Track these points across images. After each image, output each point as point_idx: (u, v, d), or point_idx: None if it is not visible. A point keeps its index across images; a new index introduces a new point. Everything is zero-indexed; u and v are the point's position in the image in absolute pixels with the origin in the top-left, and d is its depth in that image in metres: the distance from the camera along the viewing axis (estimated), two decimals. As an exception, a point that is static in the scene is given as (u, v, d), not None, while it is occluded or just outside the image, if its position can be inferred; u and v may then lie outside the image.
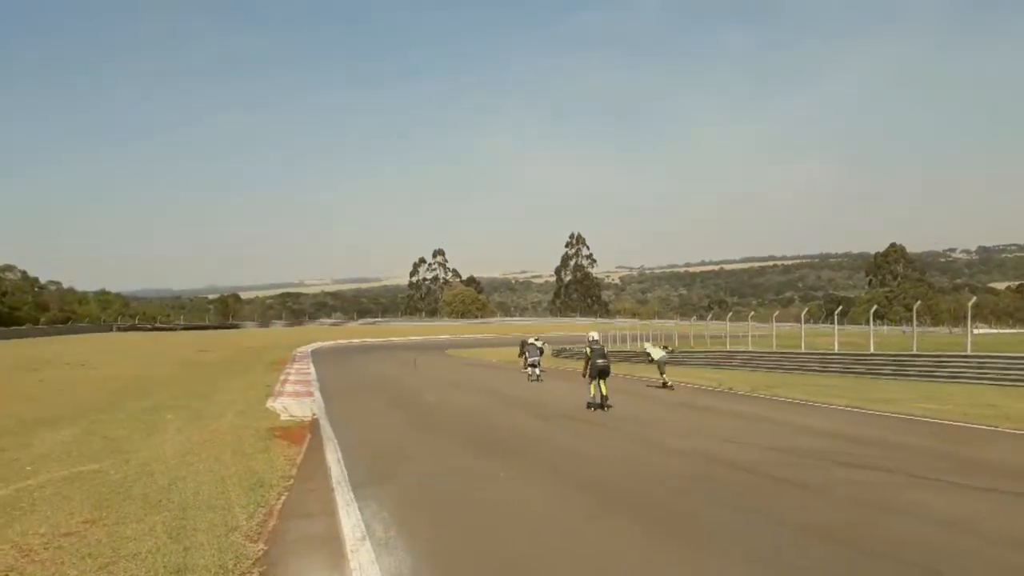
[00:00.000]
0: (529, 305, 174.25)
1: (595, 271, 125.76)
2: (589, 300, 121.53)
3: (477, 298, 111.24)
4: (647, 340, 23.94)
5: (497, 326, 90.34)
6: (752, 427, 10.94)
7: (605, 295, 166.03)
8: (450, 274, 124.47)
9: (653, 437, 10.15)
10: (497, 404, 14.96)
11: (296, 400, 15.32)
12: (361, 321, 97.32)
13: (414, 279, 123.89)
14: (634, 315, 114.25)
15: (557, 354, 35.52)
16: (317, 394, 16.97)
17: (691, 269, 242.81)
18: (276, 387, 18.42)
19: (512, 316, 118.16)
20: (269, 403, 14.49)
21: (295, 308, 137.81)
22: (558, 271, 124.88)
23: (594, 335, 13.74)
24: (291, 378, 21.89)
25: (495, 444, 9.74)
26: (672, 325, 48.79)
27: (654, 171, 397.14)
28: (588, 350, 13.22)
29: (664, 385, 17.00)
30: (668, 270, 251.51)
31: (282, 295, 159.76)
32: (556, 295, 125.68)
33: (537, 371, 20.78)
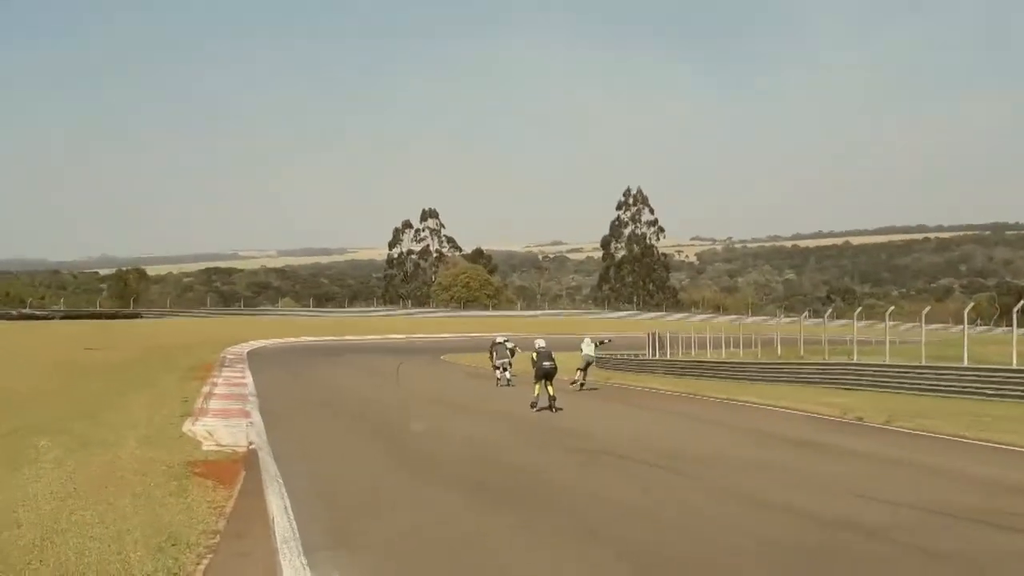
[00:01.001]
0: (564, 291, 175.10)
1: (661, 244, 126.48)
2: (651, 285, 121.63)
3: (488, 280, 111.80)
4: (588, 339, 26.93)
5: (517, 321, 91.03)
6: (888, 474, 10.91)
7: (675, 279, 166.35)
8: (447, 246, 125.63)
9: (744, 487, 10.03)
10: (514, 434, 15.15)
11: (225, 423, 15.61)
12: (320, 311, 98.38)
13: (395, 252, 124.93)
14: (717, 308, 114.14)
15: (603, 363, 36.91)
16: (256, 415, 17.31)
17: (802, 243, 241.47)
18: (197, 403, 18.72)
19: (539, 308, 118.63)
20: (187, 426, 14.65)
21: (225, 290, 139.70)
22: (606, 243, 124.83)
23: (541, 343, 20.23)
24: (219, 391, 22.43)
25: (509, 494, 9.83)
26: (773, 324, 48.66)
27: (749, 106, 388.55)
28: (535, 355, 19.71)
29: (574, 383, 24.46)
30: (768, 244, 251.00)
31: (206, 271, 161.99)
32: (603, 278, 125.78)
33: (507, 375, 26.86)
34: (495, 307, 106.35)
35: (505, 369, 27.14)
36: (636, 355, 42.34)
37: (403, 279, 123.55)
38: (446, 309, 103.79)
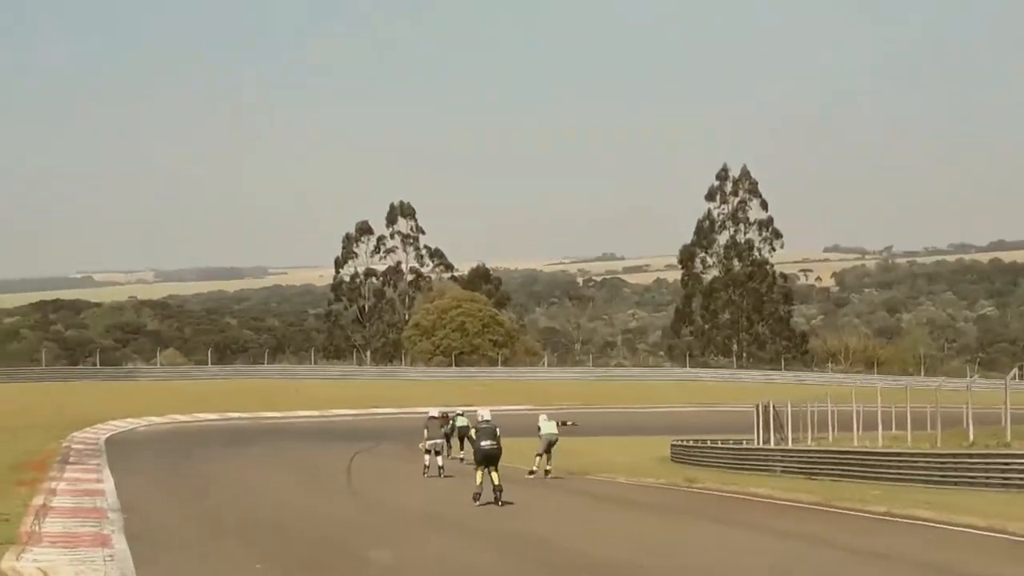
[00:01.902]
0: (618, 336, 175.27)
1: (778, 259, 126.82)
2: (762, 326, 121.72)
3: (494, 318, 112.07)
4: (546, 416, 32.66)
5: (543, 385, 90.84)
6: None
7: (801, 315, 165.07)
8: (429, 263, 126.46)
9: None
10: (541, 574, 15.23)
11: (71, 555, 15.75)
12: (224, 371, 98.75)
13: (345, 274, 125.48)
14: (870, 364, 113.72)
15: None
16: (121, 542, 17.45)
17: (1006, 256, 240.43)
18: (25, 523, 18.80)
19: (577, 363, 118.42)
20: (8, 562, 14.75)
21: (70, 336, 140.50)
22: (688, 257, 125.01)
23: (485, 414, 24.78)
24: (60, 502, 22.61)
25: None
26: (960, 390, 48.55)
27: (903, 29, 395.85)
28: (474, 431, 23.21)
29: (532, 472, 30.86)
30: (951, 259, 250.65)
31: (39, 306, 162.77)
32: (682, 314, 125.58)
33: (439, 460, 31.50)
34: (507, 361, 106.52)
35: (438, 453, 31.78)
36: (737, 441, 42.27)
37: (358, 318, 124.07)
38: (427, 367, 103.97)
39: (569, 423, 34.32)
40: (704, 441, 42.74)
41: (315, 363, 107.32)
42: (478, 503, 23.12)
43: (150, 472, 33.53)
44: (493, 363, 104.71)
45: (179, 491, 28.41)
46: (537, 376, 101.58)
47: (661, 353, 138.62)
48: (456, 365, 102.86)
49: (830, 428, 39.97)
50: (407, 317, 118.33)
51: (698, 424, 57.86)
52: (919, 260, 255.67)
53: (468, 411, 36.17)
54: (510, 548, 17.80)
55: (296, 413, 68.93)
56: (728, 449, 40.39)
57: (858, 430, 38.00)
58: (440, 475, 31.00)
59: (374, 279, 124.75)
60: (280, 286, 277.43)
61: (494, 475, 23.26)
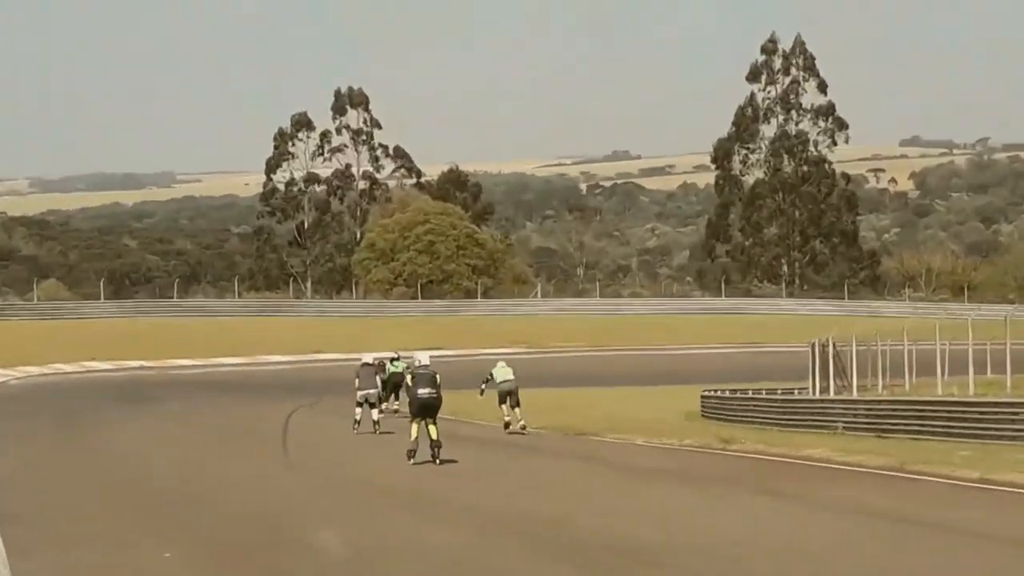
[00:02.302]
0: (634, 257, 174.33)
1: (841, 155, 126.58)
2: (820, 242, 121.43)
3: (472, 235, 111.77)
4: (503, 363, 36.27)
5: (538, 321, 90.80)
6: None
7: (870, 227, 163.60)
8: (388, 165, 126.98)
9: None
10: (541, 555, 15.28)
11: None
12: (121, 307, 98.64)
13: (279, 179, 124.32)
14: (959, 288, 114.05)
15: None
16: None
17: None
18: None
19: (582, 293, 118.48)
20: None
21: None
22: (724, 154, 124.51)
23: (423, 358, 26.63)
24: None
25: None
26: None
27: None
28: (410, 378, 25.62)
29: (508, 426, 34.28)
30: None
31: None
32: (716, 228, 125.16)
33: (374, 414, 34.55)
34: (490, 292, 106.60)
35: (372, 405, 34.80)
36: (787, 391, 42.40)
37: (296, 238, 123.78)
38: (385, 300, 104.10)
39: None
40: (744, 391, 42.92)
41: (240, 296, 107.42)
42: (412, 461, 25.18)
43: (27, 437, 33.56)
44: (471, 295, 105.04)
45: (65, 461, 28.47)
46: (529, 311, 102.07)
47: (689, 279, 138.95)
48: (423, 297, 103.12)
49: (907, 372, 40.16)
50: (359, 236, 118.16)
51: (736, 370, 58.32)
52: (1023, 155, 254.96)
53: (406, 356, 38.11)
54: (488, 526, 17.85)
55: (217, 361, 69.05)
56: (775, 401, 40.56)
57: (943, 374, 38.16)
58: (375, 431, 33.60)
59: (316, 187, 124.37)
60: (193, 197, 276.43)
61: (432, 429, 25.02)
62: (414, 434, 25.31)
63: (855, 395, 38.08)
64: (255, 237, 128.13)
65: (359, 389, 34.74)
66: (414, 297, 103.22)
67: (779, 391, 42.54)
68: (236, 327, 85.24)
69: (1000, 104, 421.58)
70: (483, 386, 36.25)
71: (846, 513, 19.02)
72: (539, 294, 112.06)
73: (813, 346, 42.39)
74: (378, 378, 35.38)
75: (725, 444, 29.85)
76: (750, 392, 42.48)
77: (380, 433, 33.09)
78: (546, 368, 69.53)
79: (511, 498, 20.97)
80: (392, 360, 37.89)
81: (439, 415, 25.51)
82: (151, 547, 16.69)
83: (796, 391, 42.18)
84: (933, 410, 32.57)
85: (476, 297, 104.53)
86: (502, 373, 34.97)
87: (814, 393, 40.43)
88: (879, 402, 35.60)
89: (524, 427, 34.61)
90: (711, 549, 15.77)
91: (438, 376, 25.59)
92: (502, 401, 34.92)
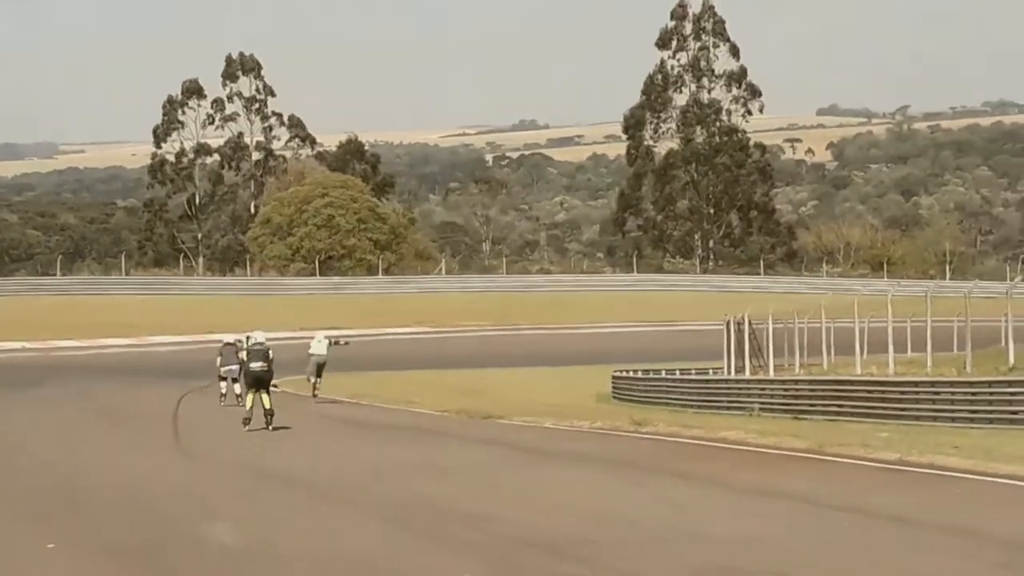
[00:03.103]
0: (542, 231, 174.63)
1: (755, 125, 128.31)
2: (735, 215, 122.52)
3: (373, 208, 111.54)
4: (321, 336, 43.21)
5: (444, 299, 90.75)
6: None
7: (786, 200, 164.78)
8: (284, 135, 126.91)
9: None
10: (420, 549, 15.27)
11: None
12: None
13: (167, 150, 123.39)
14: (877, 264, 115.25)
15: None
16: None
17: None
18: None
19: (487, 270, 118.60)
20: None
21: None
22: (635, 124, 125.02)
23: (258, 336, 31.26)
24: None
25: None
26: (998, 297, 49.40)
27: None
28: (246, 353, 30.80)
29: (315, 396, 40.94)
30: (986, 123, 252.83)
31: None
32: (627, 201, 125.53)
33: (236, 388, 38.17)
34: (392, 268, 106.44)
35: (235, 380, 38.65)
36: (702, 371, 42.69)
37: (187, 211, 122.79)
38: (282, 277, 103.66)
39: (342, 342, 45.10)
40: (657, 372, 43.20)
41: (127, 273, 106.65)
42: (247, 427, 29.96)
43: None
44: (373, 271, 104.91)
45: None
46: (433, 288, 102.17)
47: (599, 255, 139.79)
48: (322, 274, 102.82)
49: (825, 351, 40.54)
50: (254, 210, 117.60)
51: (649, 350, 58.62)
52: (944, 125, 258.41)
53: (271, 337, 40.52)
54: (392, 516, 17.82)
55: (104, 342, 68.46)
56: (689, 381, 40.92)
57: (862, 353, 38.58)
58: (238, 403, 36.65)
59: (208, 158, 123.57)
60: (77, 169, 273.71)
61: (264, 398, 30.20)
62: (249, 404, 30.43)
63: (771, 375, 38.48)
64: (144, 210, 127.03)
65: (222, 366, 39.86)
66: (312, 274, 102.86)
67: (693, 371, 42.94)
68: (123, 306, 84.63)
69: (920, 71, 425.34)
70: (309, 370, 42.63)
71: (763, 497, 19.19)
72: (443, 270, 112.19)
73: (728, 324, 42.77)
74: (240, 355, 37.04)
75: (638, 426, 29.99)
76: (663, 372, 42.80)
77: (240, 404, 34.83)
78: (450, 348, 69.69)
79: (417, 486, 20.96)
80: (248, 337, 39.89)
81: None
82: (34, 540, 16.56)
83: (711, 371, 42.54)
84: (852, 390, 33.00)
85: (378, 274, 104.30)
86: (317, 347, 41.93)
87: (729, 373, 40.83)
88: (796, 382, 36.01)
89: (316, 395, 41.74)
90: (629, 538, 15.84)
91: (271, 352, 30.73)
92: (317, 374, 41.84)
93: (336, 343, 43.42)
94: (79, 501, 20.22)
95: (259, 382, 30.19)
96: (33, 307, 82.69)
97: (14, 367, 56.66)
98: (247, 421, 29.95)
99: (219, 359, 40.35)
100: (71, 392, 45.93)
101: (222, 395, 40.14)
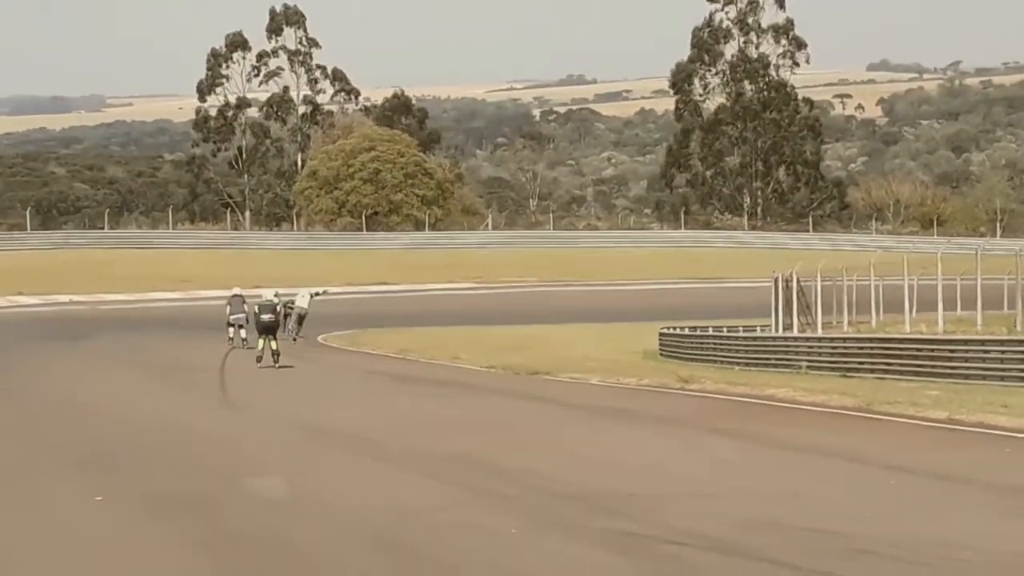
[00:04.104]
0: (589, 186, 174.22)
1: (803, 79, 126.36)
2: (782, 171, 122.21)
3: (420, 163, 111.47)
4: (305, 291, 50.83)
5: (485, 255, 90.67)
6: None
7: (835, 156, 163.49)
8: (329, 89, 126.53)
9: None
10: (492, 504, 15.30)
11: None
12: (44, 237, 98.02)
13: (210, 104, 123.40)
14: (928, 221, 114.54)
15: None
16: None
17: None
18: None
19: (535, 226, 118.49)
20: None
21: None
22: (683, 79, 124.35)
23: (268, 294, 38.87)
24: None
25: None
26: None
27: None
28: (257, 307, 38.09)
29: (296, 338, 47.79)
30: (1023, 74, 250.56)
31: None
32: (675, 157, 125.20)
33: (243, 333, 45.34)
34: (439, 224, 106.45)
35: (241, 327, 45.91)
36: (749, 328, 42.59)
37: (233, 165, 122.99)
38: (328, 232, 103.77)
39: (320, 292, 53.50)
40: (704, 329, 43.09)
41: (174, 227, 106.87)
42: (260, 365, 36.62)
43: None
44: (419, 226, 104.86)
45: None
46: (479, 243, 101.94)
47: (646, 211, 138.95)
48: (368, 229, 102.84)
49: (873, 309, 40.37)
50: (300, 164, 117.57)
51: (696, 306, 58.47)
52: (996, 80, 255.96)
53: (284, 293, 47.37)
54: (439, 473, 17.84)
55: (150, 295, 68.73)
56: (736, 339, 40.78)
57: (911, 311, 38.42)
58: (243, 346, 44.41)
59: (253, 111, 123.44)
60: (124, 122, 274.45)
61: (272, 343, 37.05)
62: (260, 346, 37.38)
63: (820, 332, 38.33)
64: (189, 166, 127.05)
65: (231, 315, 47.07)
66: (359, 229, 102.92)
67: (741, 328, 42.74)
68: (171, 260, 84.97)
69: (972, 26, 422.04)
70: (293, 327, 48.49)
71: (811, 454, 19.17)
72: (490, 226, 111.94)
73: (776, 281, 42.62)
74: (245, 306, 45.75)
75: (684, 383, 29.97)
76: (710, 329, 42.65)
77: (247, 348, 42.74)
78: (496, 304, 69.64)
79: (461, 441, 21.00)
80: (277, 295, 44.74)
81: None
82: (81, 493, 16.67)
83: (758, 328, 42.39)
84: (900, 348, 32.85)
85: (424, 229, 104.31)
86: (300, 301, 49.85)
87: (777, 330, 40.71)
88: (844, 340, 35.84)
89: (296, 340, 47.73)
90: (675, 493, 15.86)
91: (278, 306, 39.33)
92: (298, 323, 49.13)
93: (317, 295, 51.87)
94: (126, 454, 20.38)
95: (268, 330, 37.11)
96: (81, 260, 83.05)
97: (62, 320, 56.99)
98: (259, 359, 36.91)
99: (228, 308, 47.61)
100: (119, 345, 46.37)
101: (229, 338, 46.79)
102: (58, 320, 56.72)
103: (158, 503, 15.85)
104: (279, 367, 36.00)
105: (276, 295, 40.28)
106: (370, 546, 13.35)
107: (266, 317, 37.24)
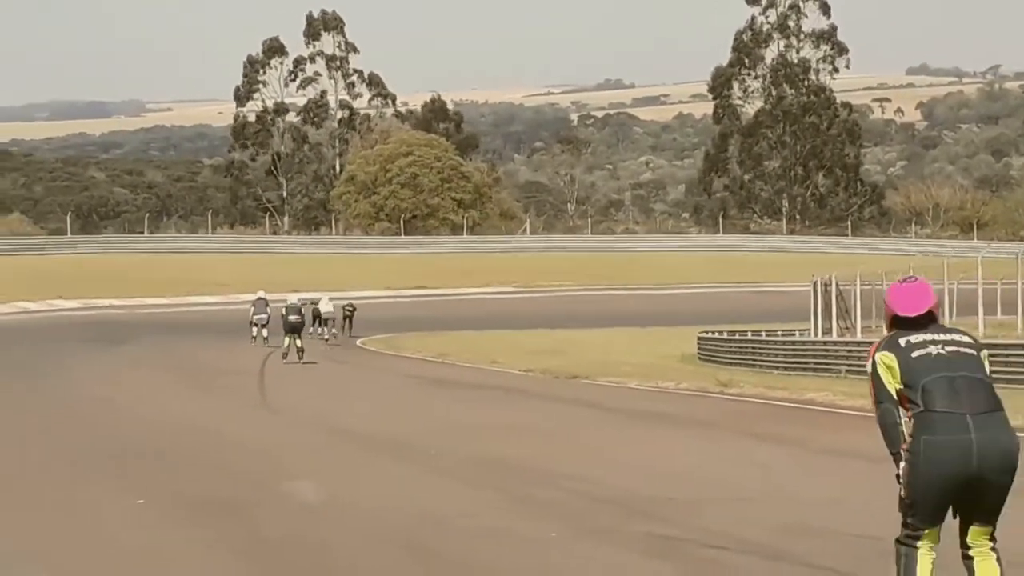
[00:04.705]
0: (627, 191, 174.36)
1: (843, 83, 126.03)
2: (822, 175, 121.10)
3: (458, 167, 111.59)
4: (327, 298, 54.57)
5: (524, 259, 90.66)
6: None
7: (874, 160, 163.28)
8: (366, 93, 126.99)
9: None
10: (534, 514, 15.28)
11: None
12: (84, 242, 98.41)
13: (248, 110, 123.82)
14: (968, 225, 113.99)
15: None
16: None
17: None
18: None
19: (572, 231, 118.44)
20: None
21: None
22: (722, 83, 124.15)
23: (293, 299, 44.44)
24: None
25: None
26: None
27: None
28: (284, 310, 43.66)
29: (328, 339, 53.38)
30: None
31: None
32: (713, 162, 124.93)
33: (265, 332, 49.92)
34: (476, 228, 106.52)
35: (264, 326, 50.18)
36: (788, 332, 42.45)
37: (271, 170, 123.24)
38: (366, 236, 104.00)
39: (352, 308, 56.62)
40: (743, 333, 42.98)
41: (213, 232, 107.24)
42: (285, 360, 40.58)
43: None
44: (457, 230, 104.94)
45: (25, 408, 28.36)
46: (517, 248, 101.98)
47: (685, 215, 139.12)
48: (406, 233, 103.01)
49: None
50: (338, 169, 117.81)
51: (734, 310, 58.35)
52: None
53: (304, 297, 49.98)
54: (473, 477, 18.01)
55: (191, 300, 68.96)
56: (775, 343, 40.63)
57: (951, 315, 38.19)
58: (265, 344, 48.52)
59: (290, 117, 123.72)
60: (164, 127, 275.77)
61: (297, 341, 40.84)
62: (286, 344, 41.25)
63: (859, 336, 38.14)
64: (228, 171, 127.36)
65: (254, 315, 50.90)
66: (397, 233, 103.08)
67: (779, 333, 42.62)
68: (211, 264, 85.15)
69: (1012, 30, 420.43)
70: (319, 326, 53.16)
71: (851, 458, 19.06)
72: (528, 230, 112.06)
73: (815, 285, 42.47)
74: (268, 308, 50.62)
75: (723, 388, 29.91)
76: (749, 334, 42.54)
77: (268, 346, 47.17)
78: (534, 308, 69.62)
79: (500, 445, 21.01)
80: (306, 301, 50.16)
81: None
82: (124, 496, 16.71)
83: (797, 332, 42.25)
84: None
85: (462, 233, 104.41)
86: (324, 305, 53.75)
87: (816, 335, 40.52)
88: (885, 345, 35.64)
89: (333, 339, 53.01)
90: (714, 497, 15.82)
91: (303, 308, 43.88)
92: (324, 324, 53.49)
93: (349, 307, 56.20)
94: (167, 457, 20.42)
95: (294, 329, 41.18)
96: (121, 264, 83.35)
97: (102, 324, 57.18)
98: (285, 355, 40.95)
99: (251, 309, 51.52)
100: (159, 349, 46.58)
101: (252, 337, 50.33)
102: (97, 324, 56.90)
103: (199, 507, 15.99)
104: (303, 363, 39.61)
105: (300, 300, 44.46)
106: (405, 551, 13.38)
107: (292, 318, 41.37)
